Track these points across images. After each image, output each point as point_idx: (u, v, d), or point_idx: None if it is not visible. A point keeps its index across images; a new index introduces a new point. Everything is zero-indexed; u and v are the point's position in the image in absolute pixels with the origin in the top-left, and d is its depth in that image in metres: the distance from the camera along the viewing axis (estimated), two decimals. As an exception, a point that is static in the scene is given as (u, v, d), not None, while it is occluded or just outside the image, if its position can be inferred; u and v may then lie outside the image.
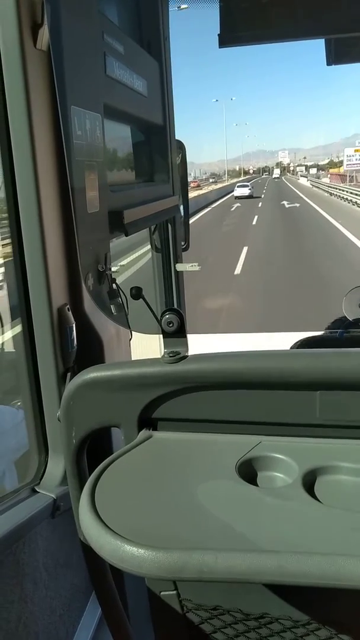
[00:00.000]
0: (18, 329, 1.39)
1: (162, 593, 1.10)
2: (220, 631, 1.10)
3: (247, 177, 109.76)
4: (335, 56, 2.70)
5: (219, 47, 2.43)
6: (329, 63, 2.73)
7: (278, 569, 0.75)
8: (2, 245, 1.37)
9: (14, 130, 1.20)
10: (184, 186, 2.99)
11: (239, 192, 52.08)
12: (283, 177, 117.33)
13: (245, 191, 51.86)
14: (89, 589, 1.56)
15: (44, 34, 1.17)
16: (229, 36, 2.49)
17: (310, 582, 0.75)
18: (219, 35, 2.39)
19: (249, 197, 50.26)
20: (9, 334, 1.54)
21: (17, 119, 1.18)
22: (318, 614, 1.02)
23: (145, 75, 2.19)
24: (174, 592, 1.09)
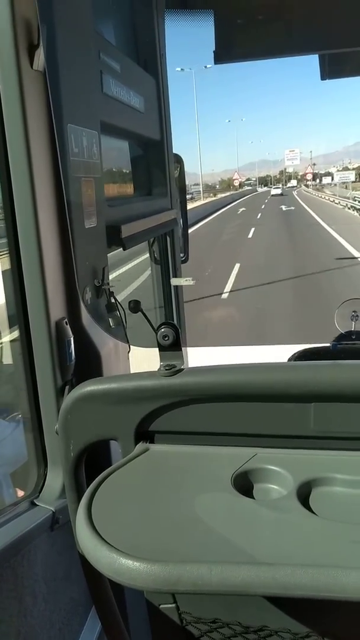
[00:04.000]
0: (16, 342, 1.40)
1: (161, 606, 1.10)
2: None
3: (224, 195, 70.07)
4: (329, 71, 2.74)
5: (215, 64, 2.47)
6: (323, 78, 2.76)
7: (272, 581, 0.76)
8: (1, 259, 1.39)
9: (11, 148, 1.22)
10: (183, 199, 3.02)
11: (274, 192, 79.18)
12: (296, 193, 75.24)
13: (279, 191, 78.74)
14: (89, 602, 1.56)
15: (40, 54, 1.20)
16: (225, 52, 2.52)
17: (304, 594, 0.76)
18: (214, 52, 2.42)
19: (281, 194, 74.01)
20: (7, 347, 1.55)
21: (14, 138, 1.21)
22: (317, 626, 1.02)
23: (142, 91, 2.23)
24: (173, 605, 1.09)
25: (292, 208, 42.95)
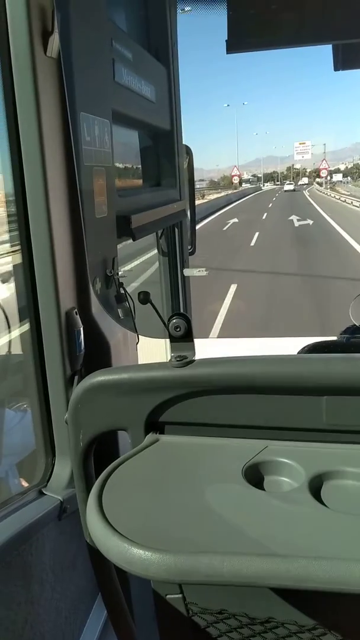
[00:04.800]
0: (26, 332, 1.40)
1: (167, 596, 1.10)
2: (226, 635, 1.11)
3: (218, 196, 49.78)
4: (343, 62, 2.71)
5: (227, 53, 2.44)
6: (336, 69, 2.73)
7: (285, 573, 0.76)
8: (12, 249, 1.38)
9: (24, 136, 1.21)
10: (192, 191, 3.00)
11: (287, 187, 72.04)
12: (307, 192, 60.40)
13: (291, 187, 71.81)
14: (95, 591, 1.57)
15: (55, 41, 1.19)
16: (237, 42, 2.50)
17: (317, 586, 0.76)
18: (226, 41, 2.40)
19: (294, 190, 66.76)
20: (17, 337, 1.55)
21: (27, 125, 1.20)
22: (324, 619, 1.02)
23: (153, 81, 2.21)
24: (180, 595, 1.09)
25: (309, 222, 24.01)
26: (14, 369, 1.70)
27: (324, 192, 57.21)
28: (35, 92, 1.17)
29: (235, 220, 27.39)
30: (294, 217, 27.07)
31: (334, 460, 1.00)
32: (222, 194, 55.02)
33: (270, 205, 40.15)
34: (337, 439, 1.05)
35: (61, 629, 1.41)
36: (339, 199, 42.88)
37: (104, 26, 1.58)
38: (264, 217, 30.04)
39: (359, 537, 0.81)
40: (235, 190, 65.05)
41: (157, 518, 0.88)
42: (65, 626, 1.44)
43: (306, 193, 58.22)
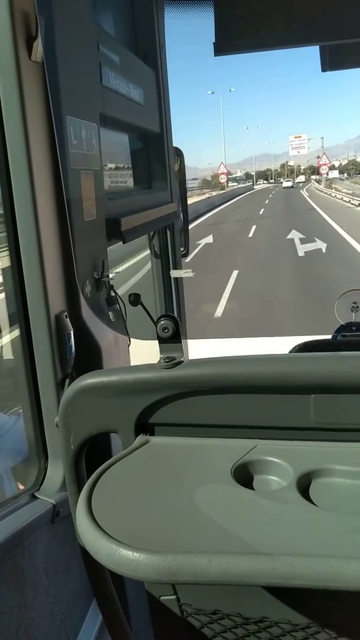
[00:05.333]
0: (16, 335, 1.40)
1: (161, 598, 1.11)
2: (221, 635, 1.11)
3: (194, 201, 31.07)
4: (330, 63, 2.72)
5: (215, 55, 2.45)
6: (323, 69, 2.74)
7: (272, 571, 0.76)
8: (0, 253, 1.39)
9: (10, 141, 1.22)
10: (183, 193, 3.00)
11: (285, 184, 70.89)
12: (306, 191, 53.86)
13: (290, 184, 70.15)
14: (90, 594, 1.56)
15: (39, 46, 1.19)
16: (225, 44, 2.51)
17: (304, 584, 0.76)
18: (214, 43, 2.41)
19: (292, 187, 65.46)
20: (7, 341, 1.55)
21: (13, 130, 1.20)
22: (317, 617, 1.02)
23: (142, 84, 2.21)
24: (174, 596, 1.09)
25: (320, 247, 14.52)
26: (4, 373, 1.70)
27: (324, 192, 48.15)
28: (20, 97, 1.18)
29: (209, 240, 17.03)
30: (295, 236, 17.31)
31: (322, 459, 1.01)
32: (205, 196, 43.44)
33: (261, 212, 30.28)
34: (325, 437, 1.06)
35: (56, 632, 1.41)
36: (342, 199, 35.58)
37: (89, 30, 1.58)
38: (250, 234, 20.31)
39: (346, 534, 0.81)
40: (221, 192, 52.66)
41: (146, 519, 0.89)
42: (61, 630, 1.43)
43: (304, 193, 50.66)
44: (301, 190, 56.03)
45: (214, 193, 49.90)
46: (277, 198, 44.61)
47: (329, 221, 22.44)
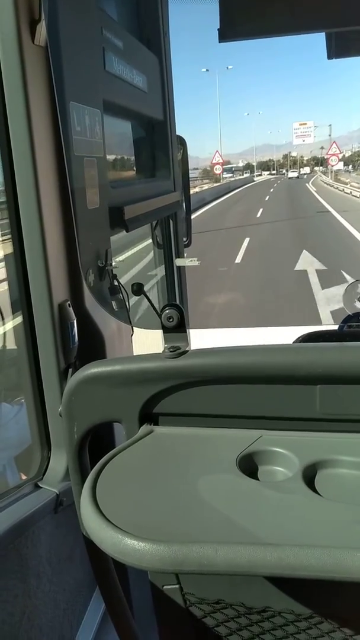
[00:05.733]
0: (19, 325, 1.39)
1: (164, 587, 1.11)
2: (223, 624, 1.11)
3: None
4: (336, 50, 2.69)
5: (219, 42, 2.42)
6: (329, 57, 2.71)
7: (278, 562, 0.76)
8: (3, 241, 1.37)
9: (12, 127, 1.20)
10: (186, 182, 2.99)
11: (291, 174, 71.89)
12: (311, 184, 50.19)
13: (295, 174, 70.97)
14: (93, 583, 1.57)
15: (42, 29, 1.17)
16: (229, 31, 2.47)
17: (310, 574, 0.76)
18: (218, 30, 2.38)
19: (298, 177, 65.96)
20: (10, 330, 1.54)
21: (15, 115, 1.19)
22: (320, 607, 1.02)
23: (145, 70, 2.19)
24: (177, 585, 1.09)
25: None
26: (7, 363, 1.69)
27: (333, 186, 41.51)
28: (23, 81, 1.16)
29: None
30: (307, 263, 11.37)
31: (328, 449, 1.00)
32: (196, 189, 36.55)
33: (259, 214, 23.41)
34: (330, 427, 1.05)
35: (59, 621, 1.41)
36: (352, 194, 30.91)
37: (93, 14, 1.56)
38: (238, 259, 13.18)
39: (351, 525, 0.81)
40: (215, 184, 46.18)
41: (151, 509, 0.88)
42: (64, 618, 1.44)
43: (310, 187, 43.98)
44: (307, 184, 50.49)
45: (206, 187, 43.24)
46: (280, 193, 38.20)
47: (350, 229, 15.75)
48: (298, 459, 0.98)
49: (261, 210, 24.97)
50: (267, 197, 34.74)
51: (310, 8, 2.39)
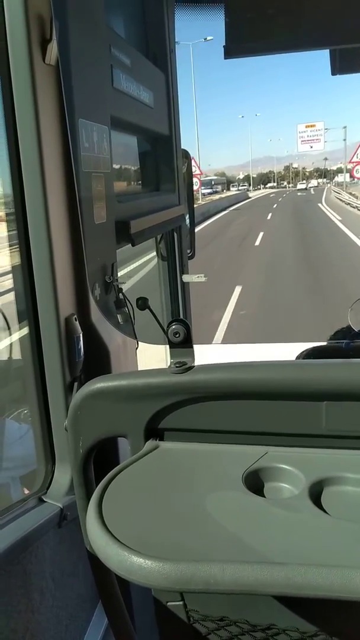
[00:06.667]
0: (26, 338, 1.40)
1: (168, 603, 1.10)
2: None
3: None
4: (340, 66, 2.72)
5: (225, 58, 2.45)
6: (333, 73, 2.74)
7: (285, 581, 0.75)
8: (11, 254, 1.38)
9: (23, 143, 1.22)
10: (190, 195, 3.01)
11: (300, 186, 69.42)
12: (324, 202, 36.11)
13: (303, 186, 67.63)
14: (95, 598, 1.56)
15: (53, 49, 1.19)
16: (235, 47, 2.51)
17: (317, 594, 0.75)
18: (224, 46, 2.41)
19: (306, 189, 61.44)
20: (16, 343, 1.55)
21: (26, 132, 1.20)
22: (325, 625, 1.02)
23: (152, 86, 2.22)
24: (181, 602, 1.08)
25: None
26: (13, 376, 1.70)
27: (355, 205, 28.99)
28: (34, 99, 1.18)
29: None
30: None
31: (334, 466, 1.00)
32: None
33: (236, 295, 10.54)
34: (337, 444, 1.05)
35: (61, 637, 1.40)
36: None
37: (102, 33, 1.59)
38: None
39: (358, 543, 0.80)
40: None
41: (158, 526, 0.88)
42: (66, 634, 1.43)
43: (326, 208, 30.57)
44: (319, 204, 35.46)
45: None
46: (281, 220, 26.03)
47: None
48: (304, 476, 0.97)
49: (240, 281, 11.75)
50: (259, 238, 19.08)
51: (315, 25, 2.42)
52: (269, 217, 28.52)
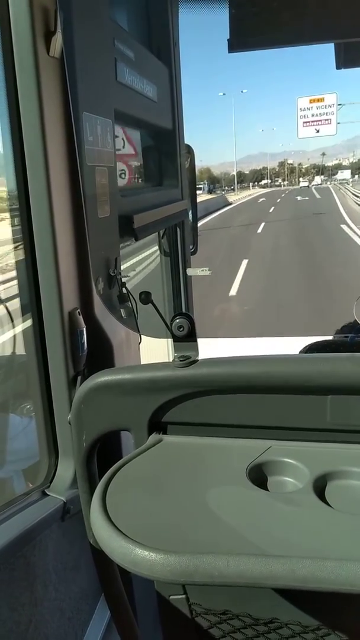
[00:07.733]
0: (29, 332, 1.40)
1: (171, 597, 1.10)
2: (229, 636, 1.10)
3: None
4: (345, 60, 2.71)
5: (229, 52, 2.44)
6: (338, 67, 2.73)
7: (290, 574, 0.75)
8: (14, 249, 1.38)
9: (27, 136, 1.21)
10: (193, 190, 3.00)
11: (302, 184, 73.16)
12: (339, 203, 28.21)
13: (306, 184, 72.58)
14: (98, 592, 1.57)
15: (57, 41, 1.19)
16: (238, 41, 2.49)
17: (321, 587, 0.75)
18: (228, 40, 2.39)
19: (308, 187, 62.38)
20: (20, 338, 1.55)
21: (30, 125, 1.20)
22: (328, 619, 1.02)
23: (155, 80, 2.21)
24: (183, 596, 1.09)
25: None
26: (17, 370, 1.70)
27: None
28: (38, 92, 1.17)
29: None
30: None
31: (338, 460, 1.00)
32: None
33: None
34: (341, 438, 1.05)
35: (65, 630, 1.41)
36: None
37: (106, 26, 1.58)
38: None
39: None
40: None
41: (161, 519, 0.88)
42: (69, 627, 1.43)
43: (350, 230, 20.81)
44: (342, 226, 22.56)
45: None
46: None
47: None
48: (308, 470, 0.97)
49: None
50: (263, 222, 12.87)
51: (319, 19, 2.41)
52: (245, 261, 14.60)
